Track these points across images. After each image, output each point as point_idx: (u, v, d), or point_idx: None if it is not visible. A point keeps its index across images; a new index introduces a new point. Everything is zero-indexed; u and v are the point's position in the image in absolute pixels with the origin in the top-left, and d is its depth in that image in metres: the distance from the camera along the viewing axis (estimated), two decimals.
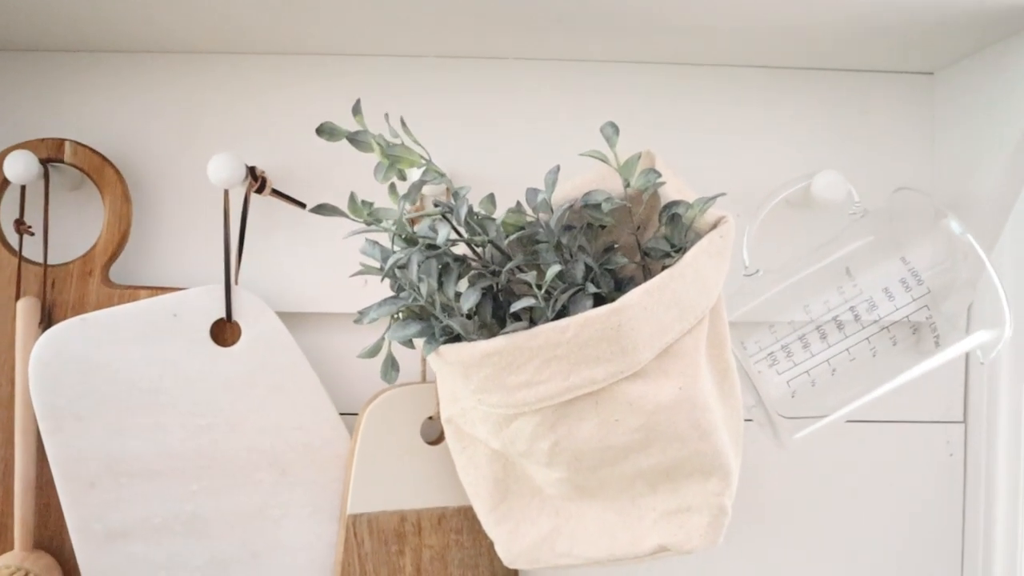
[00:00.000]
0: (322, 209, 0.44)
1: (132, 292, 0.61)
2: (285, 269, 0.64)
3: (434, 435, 0.62)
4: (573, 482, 0.52)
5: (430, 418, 0.62)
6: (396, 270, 0.48)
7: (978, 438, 0.66)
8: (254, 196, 0.61)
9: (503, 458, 0.55)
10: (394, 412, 0.61)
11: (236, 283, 0.60)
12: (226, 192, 0.60)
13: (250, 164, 0.60)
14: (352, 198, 0.45)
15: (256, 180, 0.61)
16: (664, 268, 0.50)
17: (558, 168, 0.50)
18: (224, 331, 0.60)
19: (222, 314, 0.60)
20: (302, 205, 0.64)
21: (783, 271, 0.59)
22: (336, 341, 0.64)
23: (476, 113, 0.65)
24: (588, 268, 0.50)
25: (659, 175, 0.50)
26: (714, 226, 0.51)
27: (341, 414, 0.62)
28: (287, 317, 0.62)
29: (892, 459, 0.67)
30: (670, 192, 0.52)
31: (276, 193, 0.62)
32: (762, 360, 0.55)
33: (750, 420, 0.60)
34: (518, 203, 0.53)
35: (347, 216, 0.45)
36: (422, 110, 0.64)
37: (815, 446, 0.63)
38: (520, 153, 0.65)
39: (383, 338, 0.49)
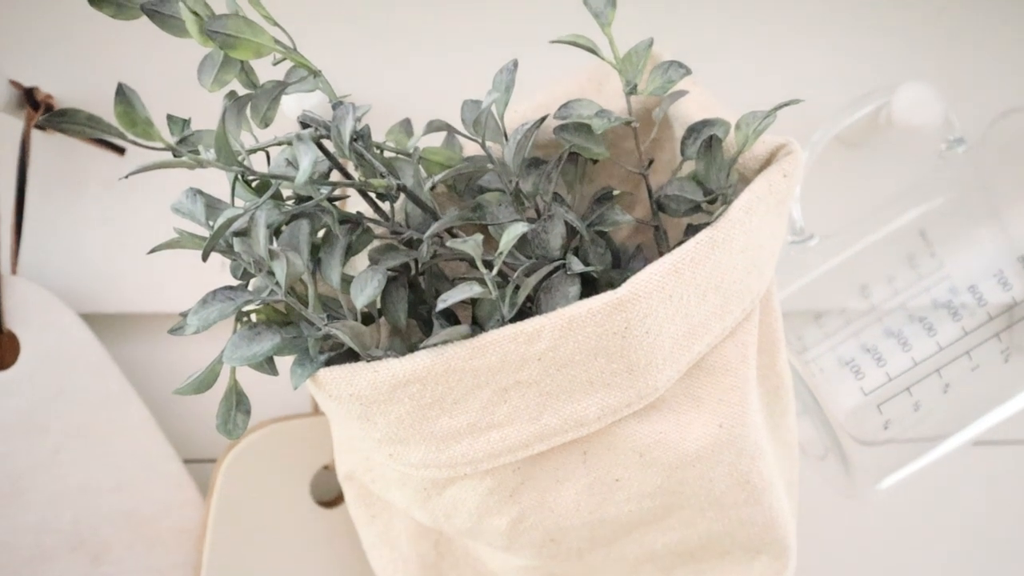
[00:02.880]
0: (63, 119, 0.23)
1: None
2: (94, 249, 0.47)
3: (331, 493, 0.48)
4: (546, 571, 0.38)
5: (325, 467, 0.47)
6: (233, 239, 0.27)
7: None
8: (38, 135, 0.44)
9: (434, 533, 0.40)
10: (270, 460, 0.46)
11: (13, 271, 0.44)
12: None
13: (27, 84, 0.43)
14: (125, 99, 0.23)
15: (38, 108, 0.42)
16: (690, 229, 0.34)
17: (515, 64, 0.30)
18: None
19: None
20: (119, 150, 0.43)
21: (843, 238, 0.43)
22: (176, 356, 0.48)
23: (382, 5, 0.48)
24: (571, 231, 0.30)
25: (686, 69, 0.30)
26: (768, 161, 0.33)
27: (188, 464, 0.47)
28: (98, 321, 0.46)
29: (986, 492, 0.54)
30: (691, 111, 0.35)
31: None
32: (825, 363, 0.36)
33: None
34: (449, 131, 0.33)
35: (120, 135, 0.24)
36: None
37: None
38: (454, 69, 0.48)
39: (219, 360, 0.29)
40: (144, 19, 0.28)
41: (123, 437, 0.45)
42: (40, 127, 0.41)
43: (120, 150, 0.44)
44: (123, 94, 0.23)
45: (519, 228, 0.27)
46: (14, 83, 0.41)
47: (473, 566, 0.40)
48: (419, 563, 0.40)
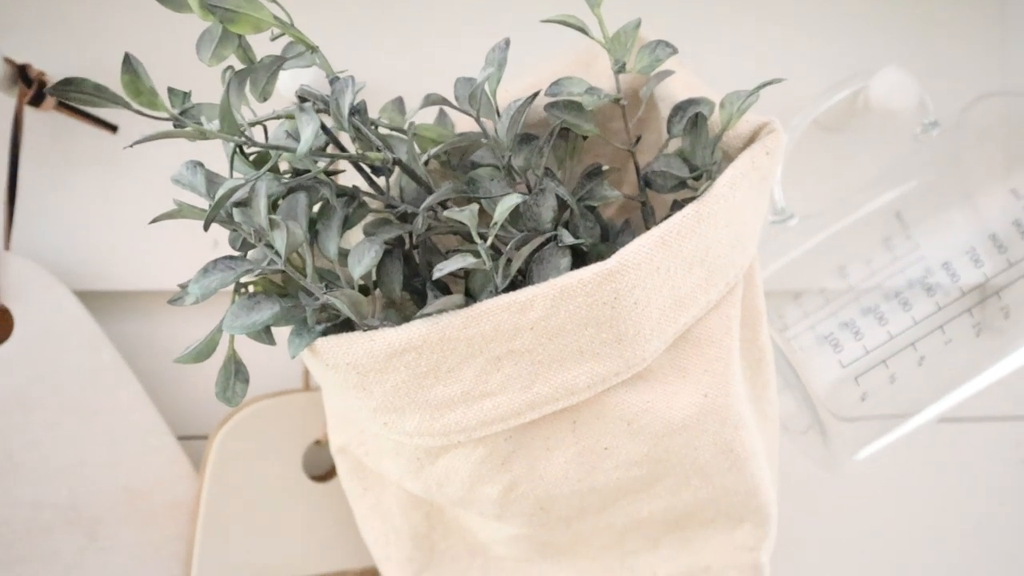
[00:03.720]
0: (69, 88, 0.23)
1: None
2: (87, 226, 0.46)
3: (324, 467, 0.47)
4: (535, 539, 0.38)
5: (317, 442, 0.46)
6: (233, 210, 0.28)
7: None
8: (31, 112, 0.43)
9: (426, 504, 0.40)
10: (262, 435, 0.45)
11: (6, 247, 0.43)
12: None
13: (20, 60, 0.42)
14: (131, 69, 0.24)
15: (31, 85, 0.42)
16: (676, 205, 0.34)
17: (507, 42, 0.31)
18: None
19: None
20: (111, 127, 0.43)
21: (823, 218, 0.43)
22: (170, 332, 0.47)
23: None
24: (561, 205, 0.31)
25: (672, 48, 0.31)
26: (751, 139, 0.34)
27: (181, 440, 0.46)
28: (92, 298, 0.45)
29: (945, 466, 0.55)
30: (677, 90, 0.35)
31: (66, 108, 0.43)
32: (805, 341, 0.37)
33: None
34: (441, 110, 0.34)
35: (125, 105, 0.24)
36: None
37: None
38: (445, 50, 0.48)
39: (218, 329, 0.29)
40: None
41: (117, 413, 0.43)
42: (35, 103, 0.41)
43: (112, 127, 0.44)
44: (129, 63, 0.24)
45: (513, 199, 0.28)
46: (7, 60, 0.40)
47: (463, 536, 0.40)
48: (411, 534, 0.40)
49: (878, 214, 0.44)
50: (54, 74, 0.44)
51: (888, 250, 0.42)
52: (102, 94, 0.24)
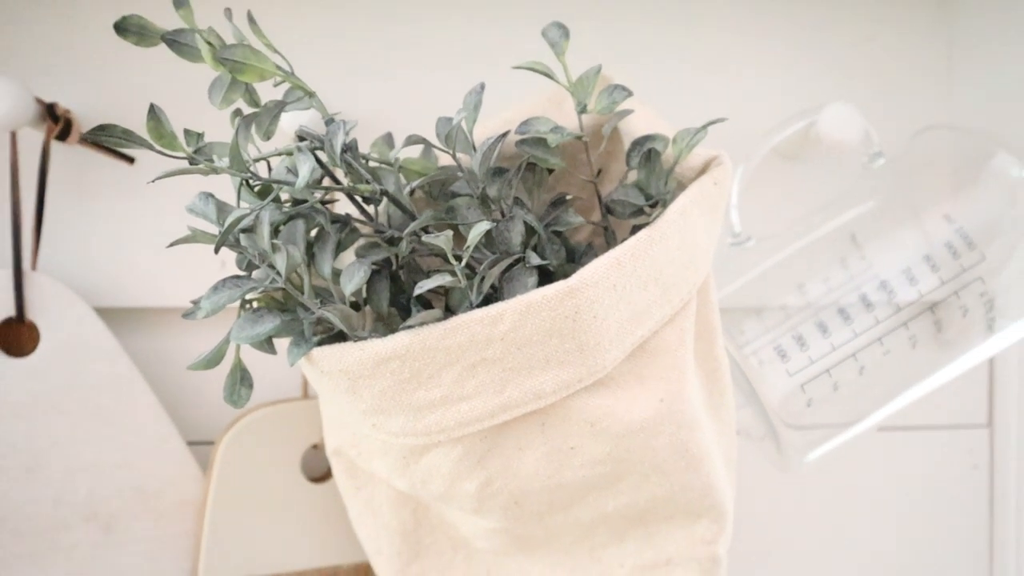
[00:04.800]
0: (102, 134, 0.27)
1: None
2: (105, 248, 0.49)
3: (320, 470, 0.49)
4: (512, 533, 0.40)
5: (314, 447, 0.49)
6: (240, 235, 0.31)
7: (1006, 445, 0.55)
8: (57, 145, 0.46)
9: (413, 502, 0.43)
10: (264, 440, 0.47)
11: (33, 267, 0.46)
12: (13, 136, 0.44)
13: (48, 100, 0.45)
14: (155, 116, 0.28)
15: (57, 122, 0.45)
16: (635, 230, 0.37)
17: (483, 86, 0.35)
18: (16, 335, 0.45)
19: (12, 312, 0.45)
20: (128, 159, 0.47)
21: (779, 240, 0.45)
22: (180, 345, 0.50)
23: (366, 31, 0.50)
24: (529, 230, 0.34)
25: (628, 92, 0.35)
26: (703, 171, 0.37)
27: (190, 444, 0.49)
28: (109, 314, 0.48)
29: (902, 471, 0.57)
30: (638, 126, 0.39)
31: (89, 142, 0.46)
32: (764, 355, 0.40)
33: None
34: (425, 145, 0.38)
35: (148, 147, 0.28)
36: (287, 23, 0.49)
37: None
38: (430, 87, 0.51)
39: (226, 340, 0.33)
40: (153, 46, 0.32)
41: (132, 418, 0.46)
42: (61, 138, 0.45)
43: (130, 160, 0.47)
44: (154, 112, 0.28)
45: (483, 226, 0.31)
46: (37, 100, 0.43)
47: (447, 531, 0.43)
48: (399, 529, 0.42)
49: (834, 236, 0.47)
50: (78, 111, 0.47)
51: (844, 268, 0.45)
52: (130, 138, 0.28)
